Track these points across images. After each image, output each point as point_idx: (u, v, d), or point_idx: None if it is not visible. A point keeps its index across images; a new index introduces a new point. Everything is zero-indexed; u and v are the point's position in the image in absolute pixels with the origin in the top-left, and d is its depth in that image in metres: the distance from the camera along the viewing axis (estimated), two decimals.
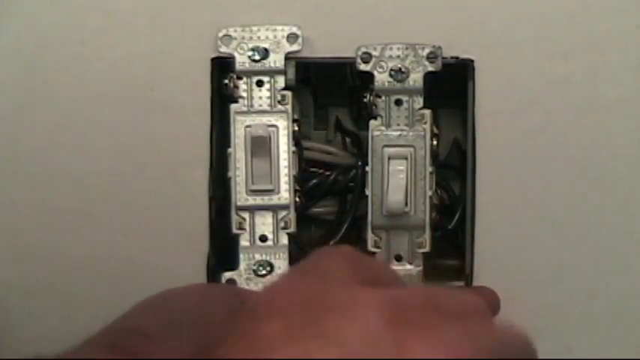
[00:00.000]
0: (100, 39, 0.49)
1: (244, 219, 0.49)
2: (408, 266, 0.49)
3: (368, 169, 0.49)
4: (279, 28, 0.49)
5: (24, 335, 0.50)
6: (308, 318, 0.24)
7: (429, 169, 0.49)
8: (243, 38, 0.49)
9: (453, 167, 0.53)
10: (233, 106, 0.49)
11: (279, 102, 0.49)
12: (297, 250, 0.50)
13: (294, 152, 0.49)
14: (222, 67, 0.49)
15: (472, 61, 0.48)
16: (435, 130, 0.50)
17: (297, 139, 0.50)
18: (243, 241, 0.50)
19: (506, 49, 0.48)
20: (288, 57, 0.49)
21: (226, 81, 0.49)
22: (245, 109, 0.49)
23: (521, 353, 0.28)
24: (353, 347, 0.23)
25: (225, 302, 0.33)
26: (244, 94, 0.49)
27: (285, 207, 0.49)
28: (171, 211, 0.50)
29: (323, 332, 0.23)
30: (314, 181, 0.52)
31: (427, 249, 0.49)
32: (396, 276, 0.32)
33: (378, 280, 0.28)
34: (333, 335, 0.23)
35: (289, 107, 0.49)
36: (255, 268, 0.49)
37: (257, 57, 0.49)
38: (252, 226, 0.49)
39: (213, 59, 0.49)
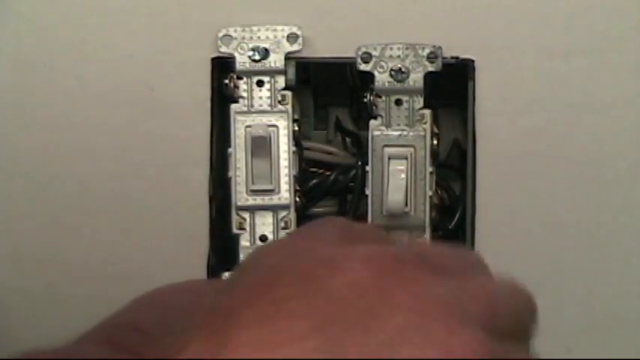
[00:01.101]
0: (100, 39, 0.49)
1: (244, 219, 0.49)
2: None
3: (368, 169, 0.49)
4: (279, 28, 0.49)
5: (24, 335, 0.50)
6: (295, 269, 0.24)
7: (429, 169, 0.49)
8: (243, 38, 0.49)
9: (453, 167, 0.53)
10: (233, 106, 0.49)
11: (279, 102, 0.49)
12: None
13: (294, 152, 0.49)
14: (222, 67, 0.49)
15: (472, 61, 0.48)
16: (435, 130, 0.50)
17: (297, 139, 0.50)
18: (244, 241, 0.50)
19: (506, 49, 0.48)
20: (288, 57, 0.49)
21: (226, 81, 0.49)
22: (245, 109, 0.49)
23: (520, 311, 0.28)
24: (337, 294, 0.23)
25: None
26: (244, 94, 0.49)
27: (285, 207, 0.49)
28: (171, 211, 0.50)
29: (309, 279, 0.23)
30: (314, 181, 0.52)
31: None
32: (390, 239, 0.31)
33: (369, 241, 0.28)
34: (319, 283, 0.23)
35: (289, 107, 0.49)
36: None
37: (257, 57, 0.49)
38: (253, 226, 0.49)
39: (213, 59, 0.49)
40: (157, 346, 0.30)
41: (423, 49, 0.48)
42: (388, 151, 0.49)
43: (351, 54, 0.48)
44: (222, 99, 0.50)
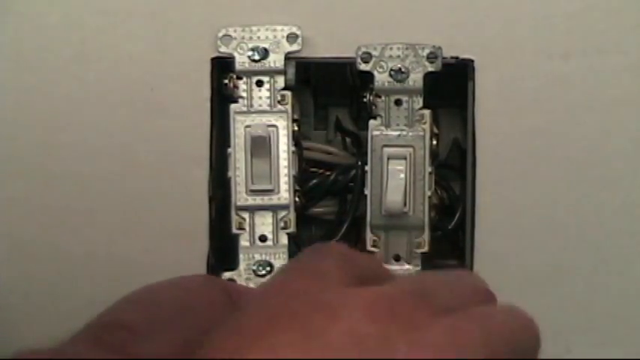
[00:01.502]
0: (100, 39, 0.49)
1: (244, 219, 0.49)
2: (407, 266, 0.49)
3: (367, 169, 0.49)
4: (279, 28, 0.49)
5: (24, 335, 0.50)
6: (295, 313, 0.24)
7: (429, 169, 0.49)
8: (243, 38, 0.49)
9: (453, 167, 0.53)
10: (233, 106, 0.49)
11: (278, 102, 0.49)
12: (297, 250, 0.50)
13: (293, 152, 0.49)
14: (222, 67, 0.49)
15: (472, 61, 0.48)
16: (435, 130, 0.50)
17: (297, 139, 0.50)
18: (243, 241, 0.50)
19: (506, 49, 0.48)
20: (288, 57, 0.49)
21: (226, 81, 0.49)
22: (245, 109, 0.49)
23: (521, 341, 0.28)
24: (337, 343, 0.23)
25: (208, 294, 0.33)
26: (244, 94, 0.49)
27: (285, 207, 0.49)
28: (171, 211, 0.50)
29: (309, 327, 0.23)
30: (314, 181, 0.52)
31: (426, 249, 0.49)
32: (389, 273, 0.32)
33: (370, 277, 0.28)
34: (318, 331, 0.23)
35: (289, 107, 0.49)
36: (254, 268, 0.49)
37: (257, 57, 0.49)
38: (252, 226, 0.50)
39: (213, 59, 0.49)
40: (144, 343, 0.30)
41: (423, 49, 0.48)
42: (387, 151, 0.49)
43: (351, 54, 0.48)
44: (221, 99, 0.50)
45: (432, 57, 0.48)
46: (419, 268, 0.49)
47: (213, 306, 0.32)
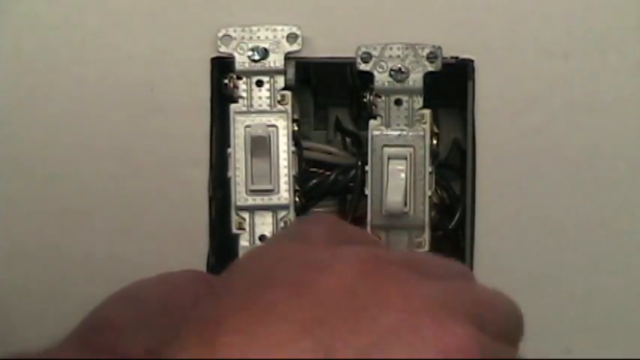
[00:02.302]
0: (100, 39, 0.49)
1: (244, 219, 0.49)
2: None
3: (367, 169, 0.49)
4: (278, 28, 0.49)
5: (24, 336, 0.50)
6: (284, 272, 0.24)
7: (429, 169, 0.49)
8: (242, 38, 0.49)
9: (453, 167, 0.53)
10: (233, 106, 0.49)
11: (278, 102, 0.49)
12: None
13: (293, 152, 0.49)
14: (222, 67, 0.49)
15: (472, 61, 0.48)
16: (435, 130, 0.50)
17: (296, 139, 0.50)
18: (243, 241, 0.50)
19: (506, 49, 0.48)
20: (287, 57, 0.49)
21: (226, 81, 0.49)
22: (245, 109, 0.49)
23: (506, 317, 0.28)
24: (327, 295, 0.23)
25: (194, 289, 0.34)
26: (244, 94, 0.49)
27: (285, 207, 0.49)
28: (171, 211, 0.50)
29: (299, 283, 0.23)
30: (314, 181, 0.52)
31: (426, 249, 0.49)
32: (379, 243, 0.31)
33: (358, 243, 0.28)
34: (308, 286, 0.23)
35: (289, 107, 0.49)
36: None
37: (257, 57, 0.49)
38: (252, 226, 0.49)
39: (213, 59, 0.49)
40: (131, 341, 0.30)
41: (423, 49, 0.48)
42: (388, 151, 0.49)
43: (350, 54, 0.48)
44: (221, 99, 0.50)
45: (431, 57, 0.48)
46: None
47: (198, 302, 0.32)
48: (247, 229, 0.49)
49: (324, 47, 0.49)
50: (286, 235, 0.28)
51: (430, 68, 0.48)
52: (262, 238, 0.49)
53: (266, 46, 0.49)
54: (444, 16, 0.48)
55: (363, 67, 0.49)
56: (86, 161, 0.49)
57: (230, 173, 0.49)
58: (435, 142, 0.49)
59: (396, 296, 0.23)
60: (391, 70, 0.48)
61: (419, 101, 0.49)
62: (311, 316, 0.22)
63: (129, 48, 0.49)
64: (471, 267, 0.49)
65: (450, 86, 0.49)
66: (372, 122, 0.49)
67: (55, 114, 0.49)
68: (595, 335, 0.49)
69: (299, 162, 0.50)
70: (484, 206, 0.49)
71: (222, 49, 0.49)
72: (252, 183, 0.49)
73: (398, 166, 0.48)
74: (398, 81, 0.49)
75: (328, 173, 0.53)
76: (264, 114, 0.49)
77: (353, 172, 0.51)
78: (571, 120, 0.48)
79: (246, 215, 0.49)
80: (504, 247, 0.49)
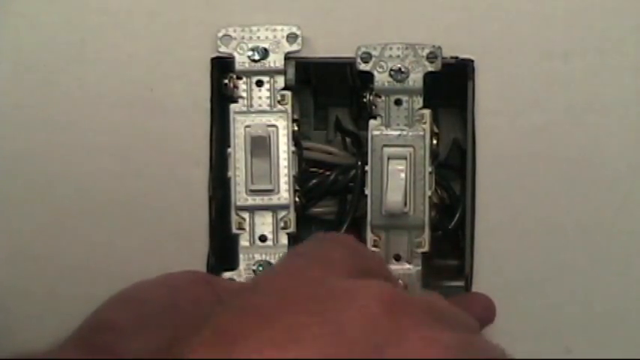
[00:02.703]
0: (100, 39, 0.49)
1: (244, 219, 0.49)
2: (407, 266, 0.49)
3: (367, 168, 0.49)
4: (278, 28, 0.49)
5: (23, 335, 0.50)
6: (308, 298, 0.24)
7: (429, 169, 0.49)
8: (242, 38, 0.49)
9: (453, 167, 0.53)
10: (233, 106, 0.49)
11: (278, 102, 0.49)
12: None
13: (293, 152, 0.49)
14: (222, 67, 0.49)
15: (472, 61, 0.48)
16: (435, 130, 0.50)
17: (296, 139, 0.50)
18: (243, 241, 0.50)
19: (506, 49, 0.48)
20: (287, 57, 0.49)
21: (226, 81, 0.49)
22: (245, 109, 0.49)
23: None
24: (350, 328, 0.23)
25: (194, 290, 0.34)
26: (244, 94, 0.49)
27: (284, 207, 0.49)
28: (171, 211, 0.50)
29: (322, 311, 0.23)
30: (314, 181, 0.52)
31: (426, 249, 0.49)
32: (390, 272, 0.32)
33: (374, 273, 0.28)
34: (331, 315, 0.23)
35: (289, 107, 0.49)
36: (254, 268, 0.49)
37: (257, 57, 0.49)
38: (252, 226, 0.50)
39: (213, 59, 0.49)
40: (131, 343, 0.30)
41: (423, 49, 0.48)
42: (388, 151, 0.49)
43: (350, 54, 0.49)
44: (221, 99, 0.50)
45: (431, 57, 0.48)
46: (419, 267, 0.49)
47: (199, 303, 0.32)
48: (247, 229, 0.49)
49: (324, 47, 0.49)
50: (310, 256, 0.28)
51: (430, 68, 0.48)
52: (262, 238, 0.49)
53: (266, 46, 0.49)
54: (444, 16, 0.48)
55: (363, 67, 0.49)
56: (86, 161, 0.49)
57: (230, 173, 0.49)
58: (435, 142, 0.49)
59: (417, 340, 0.23)
60: (391, 70, 0.48)
61: (419, 101, 0.49)
62: (332, 346, 0.22)
63: (129, 48, 0.49)
64: (471, 267, 0.49)
65: (450, 86, 0.49)
66: (372, 122, 0.49)
67: (55, 114, 0.49)
68: (595, 335, 0.49)
69: (299, 162, 0.50)
70: (484, 206, 0.49)
71: (222, 49, 0.49)
72: (252, 183, 0.49)
73: (398, 166, 0.48)
74: (398, 81, 0.49)
75: (328, 173, 0.53)
76: (264, 114, 0.49)
77: (353, 172, 0.51)
78: (571, 120, 0.48)
79: (246, 215, 0.49)
80: (504, 247, 0.49)
